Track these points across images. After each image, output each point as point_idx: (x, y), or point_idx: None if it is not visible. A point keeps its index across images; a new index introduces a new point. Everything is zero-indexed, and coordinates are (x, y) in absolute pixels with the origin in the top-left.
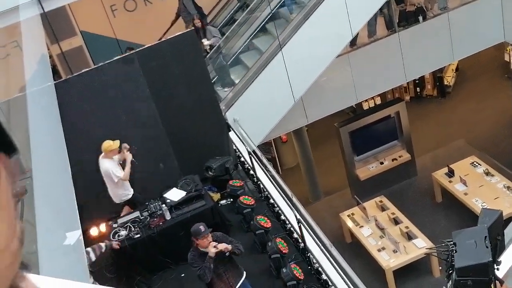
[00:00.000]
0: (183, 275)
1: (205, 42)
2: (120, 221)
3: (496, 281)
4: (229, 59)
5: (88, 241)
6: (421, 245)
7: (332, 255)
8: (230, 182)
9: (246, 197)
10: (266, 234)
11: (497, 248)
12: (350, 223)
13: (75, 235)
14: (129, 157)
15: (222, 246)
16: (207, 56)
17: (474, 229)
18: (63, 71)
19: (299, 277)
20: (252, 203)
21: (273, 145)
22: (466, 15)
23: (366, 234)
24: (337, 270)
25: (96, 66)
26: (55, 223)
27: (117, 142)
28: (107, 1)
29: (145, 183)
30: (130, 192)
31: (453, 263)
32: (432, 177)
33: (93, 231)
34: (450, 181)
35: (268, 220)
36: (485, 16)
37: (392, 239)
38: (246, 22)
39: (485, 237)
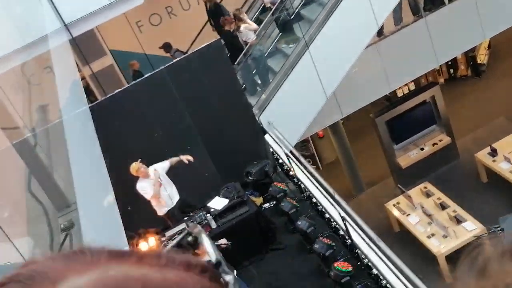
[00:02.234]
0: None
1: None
2: (168, 233)
3: None
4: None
5: None
6: (471, 228)
7: (381, 249)
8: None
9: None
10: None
11: None
12: (396, 213)
13: None
14: (152, 180)
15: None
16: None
17: None
18: (97, 91)
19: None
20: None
21: (311, 142)
22: None
23: (413, 222)
24: (386, 264)
25: (127, 85)
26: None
27: (134, 165)
28: (132, 18)
29: (187, 194)
30: (169, 205)
31: None
32: (475, 158)
33: (143, 246)
34: (494, 161)
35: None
36: None
37: (441, 224)
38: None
39: None
